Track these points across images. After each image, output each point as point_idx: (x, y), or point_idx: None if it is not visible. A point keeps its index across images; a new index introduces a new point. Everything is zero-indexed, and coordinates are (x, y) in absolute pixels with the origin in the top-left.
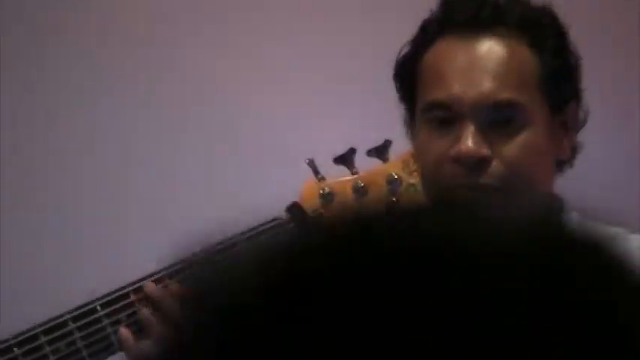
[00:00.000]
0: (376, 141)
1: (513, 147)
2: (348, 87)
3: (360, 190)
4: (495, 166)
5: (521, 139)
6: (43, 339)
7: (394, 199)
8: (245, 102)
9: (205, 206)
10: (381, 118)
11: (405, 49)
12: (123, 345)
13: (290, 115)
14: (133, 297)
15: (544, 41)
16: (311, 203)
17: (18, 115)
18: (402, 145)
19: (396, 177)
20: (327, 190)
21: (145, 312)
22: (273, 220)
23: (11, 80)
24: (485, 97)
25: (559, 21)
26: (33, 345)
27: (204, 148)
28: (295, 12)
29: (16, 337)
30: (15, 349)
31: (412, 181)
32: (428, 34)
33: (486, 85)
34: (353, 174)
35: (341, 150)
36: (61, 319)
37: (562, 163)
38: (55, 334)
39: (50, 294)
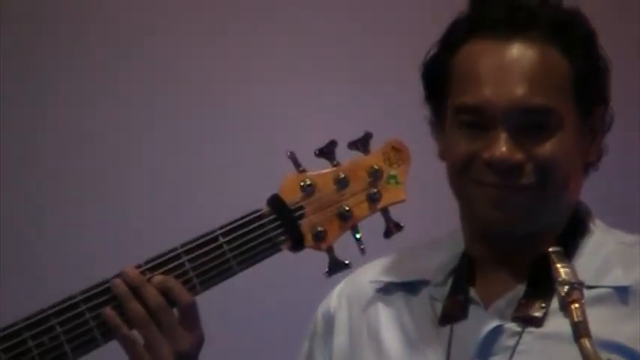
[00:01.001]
0: (357, 134)
1: (546, 150)
2: (330, 81)
3: (341, 182)
4: (529, 168)
5: (553, 142)
6: (26, 334)
7: (375, 191)
8: (229, 95)
9: (190, 199)
10: (363, 110)
11: (435, 49)
12: (110, 324)
13: (272, 108)
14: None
15: (575, 45)
16: (292, 195)
17: (17, 114)
18: (382, 138)
19: (377, 168)
20: (307, 182)
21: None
22: (254, 212)
23: (12, 80)
24: (517, 102)
25: (589, 24)
26: (16, 340)
27: (188, 141)
28: (284, 10)
29: None
30: None
31: (393, 172)
32: (459, 34)
33: (518, 90)
34: (334, 166)
35: (322, 143)
36: (43, 314)
37: (588, 166)
38: (38, 330)
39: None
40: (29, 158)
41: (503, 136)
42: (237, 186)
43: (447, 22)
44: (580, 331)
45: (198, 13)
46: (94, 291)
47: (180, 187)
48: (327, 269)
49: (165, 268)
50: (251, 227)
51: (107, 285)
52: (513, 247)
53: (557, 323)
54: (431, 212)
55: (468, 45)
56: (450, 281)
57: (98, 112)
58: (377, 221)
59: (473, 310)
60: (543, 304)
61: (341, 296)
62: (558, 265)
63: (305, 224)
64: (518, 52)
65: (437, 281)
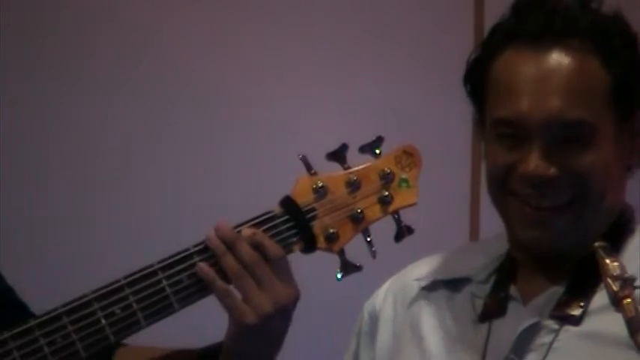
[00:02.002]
0: (368, 138)
1: (581, 163)
2: (341, 85)
3: (353, 185)
4: (565, 182)
5: (590, 154)
6: (38, 332)
7: (386, 193)
8: (242, 97)
9: (201, 200)
10: (373, 114)
11: (476, 53)
12: (206, 278)
13: (284, 111)
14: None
15: (615, 53)
16: (304, 198)
17: (19, 116)
18: (393, 142)
19: (388, 172)
20: (320, 184)
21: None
22: (267, 213)
23: (13, 80)
24: (553, 116)
25: (630, 29)
26: (28, 338)
27: (200, 143)
28: (297, 13)
29: (10, 329)
30: (10, 341)
31: (404, 176)
32: (498, 41)
33: (554, 103)
34: (345, 169)
35: (333, 146)
36: (55, 313)
37: (631, 167)
38: (50, 328)
39: (52, 292)
40: (38, 160)
41: (537, 150)
42: (248, 187)
43: (453, 23)
44: (635, 326)
45: (211, 11)
46: (106, 289)
47: (187, 186)
48: (338, 271)
49: (178, 267)
50: (263, 228)
51: (117, 285)
52: (554, 255)
53: (595, 323)
54: (436, 213)
55: (506, 53)
56: (492, 279)
57: (108, 112)
58: (387, 225)
59: (512, 306)
60: (582, 303)
61: (387, 294)
62: (607, 260)
63: (317, 226)
64: (555, 63)
65: (479, 279)
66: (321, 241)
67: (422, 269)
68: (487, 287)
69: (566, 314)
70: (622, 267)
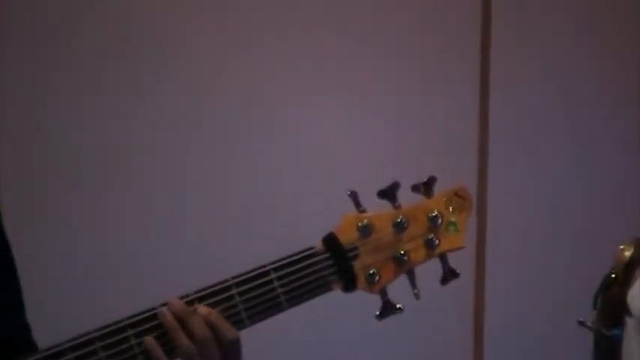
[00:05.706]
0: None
1: None
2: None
3: (399, 225)
4: None
5: None
6: (70, 355)
7: (432, 237)
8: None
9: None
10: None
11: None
12: (152, 354)
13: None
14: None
15: None
16: (348, 235)
17: (24, 122)
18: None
19: (436, 214)
20: (365, 222)
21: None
22: (308, 249)
23: (16, 80)
24: None
25: None
26: None
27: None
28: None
29: (43, 351)
30: None
31: (453, 219)
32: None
33: None
34: (395, 208)
35: (386, 182)
36: (87, 337)
37: None
38: (81, 352)
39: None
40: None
41: None
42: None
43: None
44: None
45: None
46: (141, 316)
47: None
48: (378, 312)
49: (214, 299)
50: (303, 264)
51: (155, 312)
52: None
53: None
54: None
55: None
56: None
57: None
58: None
59: None
60: None
61: None
62: None
63: (358, 265)
64: None
65: None
66: (361, 281)
67: None
68: None
69: None
70: None
